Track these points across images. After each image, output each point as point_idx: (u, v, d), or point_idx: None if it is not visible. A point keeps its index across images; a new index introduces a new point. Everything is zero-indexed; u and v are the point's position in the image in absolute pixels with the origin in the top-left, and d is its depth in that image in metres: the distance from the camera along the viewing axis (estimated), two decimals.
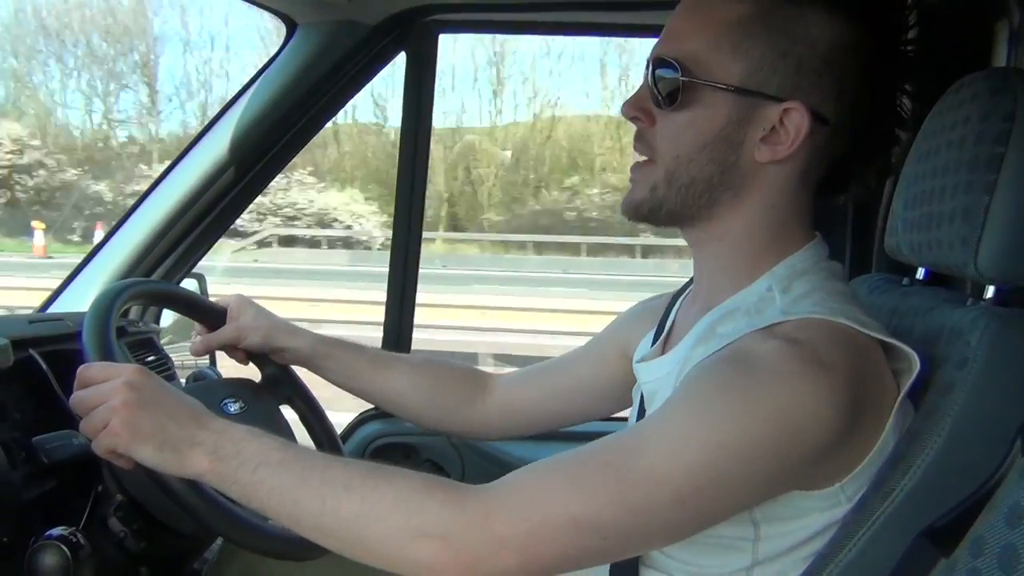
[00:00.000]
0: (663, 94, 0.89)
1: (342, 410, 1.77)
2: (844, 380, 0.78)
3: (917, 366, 0.84)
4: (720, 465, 0.77)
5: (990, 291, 0.93)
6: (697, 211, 0.92)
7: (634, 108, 0.93)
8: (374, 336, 1.95)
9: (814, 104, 0.87)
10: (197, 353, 1.30)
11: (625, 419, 1.17)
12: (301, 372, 1.32)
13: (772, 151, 0.88)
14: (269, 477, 0.83)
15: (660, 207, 0.92)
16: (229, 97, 1.70)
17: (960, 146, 0.92)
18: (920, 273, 1.09)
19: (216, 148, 1.64)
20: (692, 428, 0.78)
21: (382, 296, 1.88)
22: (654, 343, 1.06)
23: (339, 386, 1.29)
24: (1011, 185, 0.86)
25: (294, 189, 21.00)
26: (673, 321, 1.06)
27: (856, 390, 0.79)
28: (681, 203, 0.91)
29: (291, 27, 1.66)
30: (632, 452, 0.79)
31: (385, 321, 1.90)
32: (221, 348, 1.28)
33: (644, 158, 0.94)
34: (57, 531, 1.01)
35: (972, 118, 0.91)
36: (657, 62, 0.90)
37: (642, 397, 1.04)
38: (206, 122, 1.70)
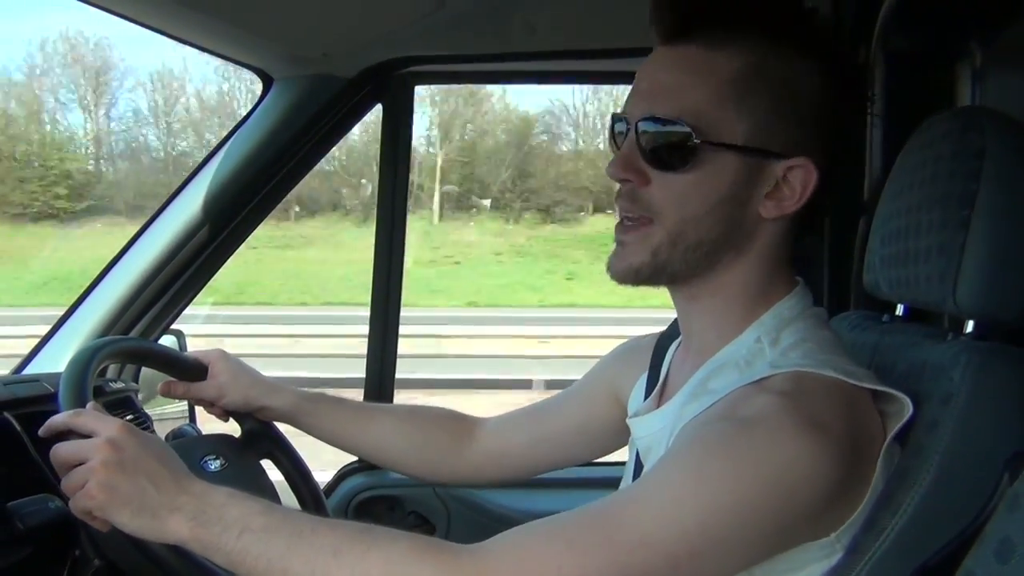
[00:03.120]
0: (663, 154, 0.86)
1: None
2: (836, 437, 0.78)
3: (909, 410, 0.84)
4: (714, 528, 0.76)
5: (969, 326, 0.93)
6: (698, 270, 0.90)
7: (624, 170, 0.88)
8: None
9: (815, 156, 0.86)
10: (171, 395, 1.27)
11: (614, 464, 1.16)
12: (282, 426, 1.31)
13: (779, 207, 0.87)
14: (254, 544, 0.81)
15: (663, 270, 0.89)
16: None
17: (932, 183, 0.93)
18: (899, 310, 1.10)
19: (192, 204, 1.63)
20: (685, 491, 0.77)
21: None
22: (647, 395, 1.05)
23: (324, 441, 1.28)
24: (985, 221, 0.87)
25: None
26: (667, 373, 1.04)
27: (848, 444, 0.78)
28: (685, 265, 0.89)
29: (267, 82, 1.67)
30: (626, 515, 0.78)
31: (367, 370, 1.89)
32: (200, 402, 1.26)
33: (634, 217, 0.89)
34: None
35: (943, 156, 0.92)
36: (656, 120, 0.86)
37: (637, 453, 1.03)
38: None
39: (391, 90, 1.76)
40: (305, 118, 1.65)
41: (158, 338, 1.67)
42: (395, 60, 1.68)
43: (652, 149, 0.87)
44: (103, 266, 1.64)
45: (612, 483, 1.05)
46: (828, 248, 1.67)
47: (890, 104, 1.13)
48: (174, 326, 1.71)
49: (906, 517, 0.83)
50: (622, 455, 1.14)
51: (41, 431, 0.93)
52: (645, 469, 0.98)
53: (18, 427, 1.17)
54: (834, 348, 0.89)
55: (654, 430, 0.97)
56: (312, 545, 0.81)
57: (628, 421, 1.05)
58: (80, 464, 0.87)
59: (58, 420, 0.92)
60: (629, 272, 0.90)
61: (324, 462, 1.65)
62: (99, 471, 0.85)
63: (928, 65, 1.37)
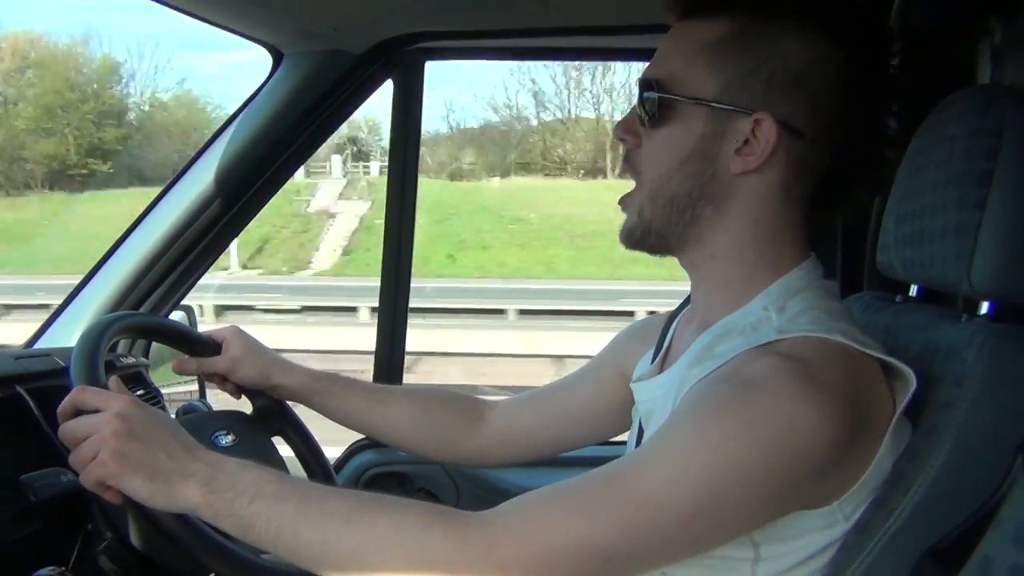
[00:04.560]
0: (646, 113, 0.92)
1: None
2: (841, 399, 0.78)
3: (913, 384, 0.84)
4: (720, 488, 0.77)
5: (984, 307, 0.93)
6: (683, 230, 0.93)
7: (623, 130, 0.96)
8: None
9: (784, 116, 0.88)
10: (185, 371, 1.28)
11: (624, 443, 1.16)
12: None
13: (744, 161, 0.89)
14: (265, 510, 0.83)
15: (649, 229, 0.94)
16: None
17: (949, 163, 0.92)
18: (913, 290, 1.09)
19: (203, 179, 1.63)
20: (691, 452, 0.78)
21: None
22: (652, 362, 1.06)
23: (336, 421, 1.28)
24: (1002, 200, 0.86)
25: None
26: (671, 340, 1.06)
27: (853, 409, 0.79)
28: (665, 221, 0.93)
29: (277, 57, 1.66)
30: (633, 477, 0.79)
31: (376, 353, 1.89)
32: (212, 378, 1.27)
33: (632, 186, 0.96)
34: (46, 571, 0.99)
35: (960, 135, 0.91)
36: (642, 84, 0.93)
37: (640, 419, 1.04)
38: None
39: (402, 66, 1.75)
40: (315, 93, 1.64)
41: (168, 313, 1.67)
42: (406, 35, 1.67)
43: (643, 112, 0.93)
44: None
45: None
46: (841, 228, 1.66)
47: (908, 81, 1.11)
48: (184, 302, 1.72)
49: (917, 498, 0.82)
50: None
51: (59, 418, 0.93)
52: (646, 434, 0.99)
53: (30, 401, 1.18)
54: (843, 317, 0.89)
55: (656, 394, 0.98)
56: (322, 512, 0.82)
57: (631, 385, 1.06)
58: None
59: (65, 403, 0.93)
60: (625, 234, 0.96)
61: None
62: (110, 440, 0.86)
63: (947, 42, 1.35)
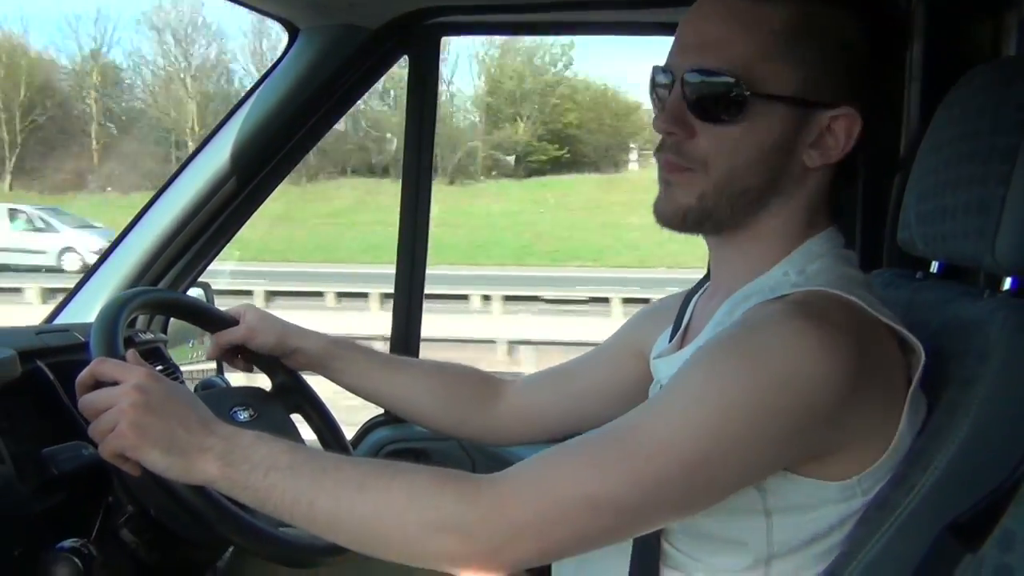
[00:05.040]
0: (711, 106, 0.86)
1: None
2: (849, 344, 0.78)
3: (922, 356, 0.84)
4: (728, 430, 0.77)
5: (1007, 283, 0.91)
6: (744, 218, 0.91)
7: (672, 124, 0.88)
8: None
9: (861, 107, 0.86)
10: (211, 357, 1.29)
11: None
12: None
13: (823, 156, 0.88)
14: (281, 481, 0.84)
15: (709, 216, 0.90)
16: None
17: (973, 137, 0.91)
18: (934, 266, 1.08)
19: (220, 156, 1.63)
20: (697, 396, 0.79)
21: None
22: (671, 339, 1.06)
23: (351, 390, 1.28)
24: None
25: None
26: (690, 317, 1.05)
27: (861, 359, 0.78)
28: (731, 212, 0.90)
29: (293, 32, 1.65)
30: (640, 427, 0.80)
31: (392, 327, 1.89)
32: (230, 349, 1.27)
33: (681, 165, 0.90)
34: (68, 543, 1.00)
35: (985, 109, 0.90)
36: (703, 72, 0.86)
37: None
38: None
39: (417, 41, 1.74)
40: (331, 69, 1.64)
41: (186, 290, 1.68)
42: (422, 10, 1.65)
43: (699, 101, 0.87)
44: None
45: None
46: (861, 205, 1.64)
47: (930, 55, 1.10)
48: (201, 279, 1.72)
49: (937, 474, 0.82)
50: None
51: (77, 390, 0.94)
52: None
53: (51, 375, 1.19)
54: (860, 284, 0.88)
55: (675, 371, 0.97)
56: (336, 480, 0.83)
57: (651, 362, 1.06)
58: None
59: (84, 374, 0.93)
60: (677, 215, 0.91)
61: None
62: (128, 412, 0.87)
63: (971, 15, 1.33)
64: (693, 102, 0.87)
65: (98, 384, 0.92)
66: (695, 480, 0.78)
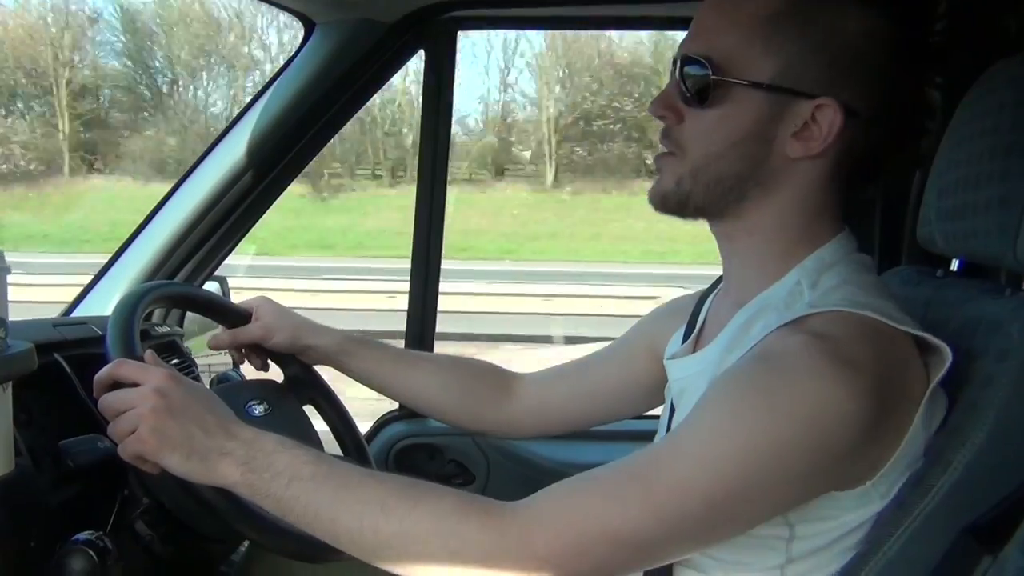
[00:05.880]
0: (692, 92, 0.88)
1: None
2: (872, 379, 0.77)
3: (949, 358, 0.83)
4: (750, 468, 0.76)
5: None
6: (725, 206, 0.91)
7: (662, 107, 0.91)
8: None
9: (846, 99, 0.85)
10: (220, 345, 1.29)
11: (654, 417, 1.15)
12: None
13: (805, 147, 0.87)
14: (303, 493, 0.84)
15: (687, 201, 0.91)
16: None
17: (995, 133, 0.89)
18: (954, 264, 1.07)
19: (236, 150, 1.63)
20: (720, 432, 0.78)
21: None
22: (685, 340, 1.05)
23: (365, 384, 1.28)
24: None
25: None
26: (705, 318, 1.04)
27: (884, 388, 0.77)
28: (708, 198, 0.90)
29: (309, 27, 1.65)
30: (663, 463, 0.79)
31: (408, 320, 1.89)
32: (246, 347, 1.28)
33: (667, 151, 0.93)
34: (84, 536, 1.00)
35: (1007, 104, 0.89)
36: (686, 60, 0.88)
37: (672, 398, 1.03)
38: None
39: (434, 35, 1.73)
40: (347, 64, 1.63)
41: (202, 284, 1.69)
42: (438, 4, 1.65)
43: (683, 86, 0.89)
44: None
45: (651, 436, 1.05)
46: (881, 202, 1.63)
47: (952, 49, 1.08)
48: (217, 273, 1.73)
49: (956, 475, 0.81)
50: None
51: (95, 388, 0.94)
52: (678, 413, 0.99)
53: (68, 368, 1.19)
54: (877, 292, 0.87)
55: (689, 372, 0.97)
56: (359, 498, 0.83)
57: (665, 363, 1.05)
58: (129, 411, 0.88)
59: (103, 374, 0.94)
60: (658, 197, 0.93)
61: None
62: (148, 416, 0.87)
63: (994, 8, 1.31)
64: (681, 88, 0.89)
65: (116, 383, 0.92)
66: (717, 516, 0.78)
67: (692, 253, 12.11)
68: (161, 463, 0.87)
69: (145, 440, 0.87)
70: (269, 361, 1.30)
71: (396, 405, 1.91)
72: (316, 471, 0.84)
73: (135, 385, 0.90)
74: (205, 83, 20.48)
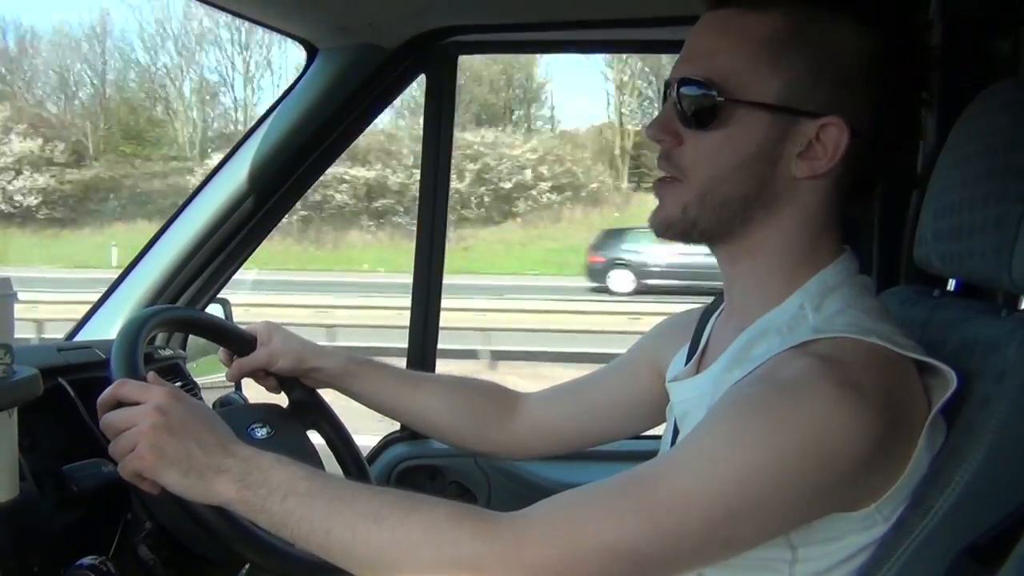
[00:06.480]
0: (694, 114, 0.87)
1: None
2: (876, 404, 0.77)
3: (954, 383, 0.83)
4: (752, 490, 0.76)
5: None
6: (731, 229, 0.90)
7: (661, 131, 0.91)
8: None
9: (851, 118, 0.86)
10: (233, 379, 1.30)
11: (657, 437, 1.15)
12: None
13: (811, 167, 0.87)
14: (298, 507, 0.84)
15: (693, 227, 0.91)
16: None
17: (990, 155, 0.90)
18: (951, 285, 1.07)
19: (238, 174, 1.64)
20: (723, 452, 0.77)
21: None
22: (688, 361, 1.05)
23: (369, 406, 1.29)
24: None
25: None
26: (707, 339, 1.04)
27: (888, 413, 0.77)
28: (715, 222, 0.90)
29: (312, 53, 1.67)
30: (663, 477, 0.79)
31: (409, 340, 1.90)
32: (253, 374, 1.28)
33: (668, 176, 0.91)
34: (87, 560, 1.00)
35: (1003, 126, 0.89)
36: (684, 82, 0.88)
37: (675, 419, 1.03)
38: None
39: (435, 60, 1.75)
40: (349, 89, 1.65)
41: (205, 307, 1.69)
42: (439, 30, 1.67)
43: (684, 109, 0.88)
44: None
45: (653, 455, 1.05)
46: (879, 222, 1.63)
47: (947, 71, 1.09)
48: (220, 295, 1.74)
49: (955, 496, 0.81)
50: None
51: (98, 409, 0.95)
52: (681, 434, 0.98)
53: (72, 393, 1.20)
54: (880, 316, 0.88)
55: (692, 395, 0.97)
56: (354, 510, 0.83)
57: (667, 385, 1.05)
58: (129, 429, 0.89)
59: (106, 394, 0.94)
60: (662, 225, 0.92)
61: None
62: (148, 433, 0.87)
63: (990, 30, 1.32)
64: (680, 110, 0.88)
65: (119, 404, 0.93)
66: (716, 535, 0.77)
67: None
68: (159, 480, 0.88)
69: (143, 456, 0.87)
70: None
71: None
72: (311, 486, 0.85)
73: (138, 404, 0.91)
74: None
